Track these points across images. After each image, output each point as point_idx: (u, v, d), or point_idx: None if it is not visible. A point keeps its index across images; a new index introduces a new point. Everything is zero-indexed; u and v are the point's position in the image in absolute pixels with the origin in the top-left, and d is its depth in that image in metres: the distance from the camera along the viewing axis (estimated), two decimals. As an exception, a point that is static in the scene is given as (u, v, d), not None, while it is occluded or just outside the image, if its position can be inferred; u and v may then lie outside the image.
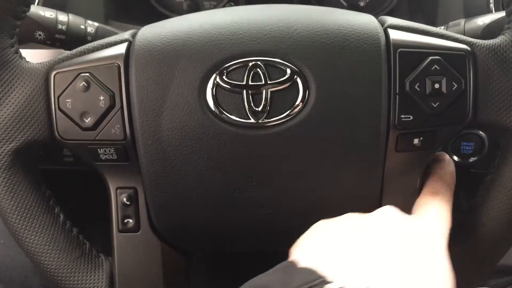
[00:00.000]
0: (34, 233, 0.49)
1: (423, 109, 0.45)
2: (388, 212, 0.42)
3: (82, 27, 0.61)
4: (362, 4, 0.81)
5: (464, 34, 0.58)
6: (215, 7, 0.82)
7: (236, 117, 0.45)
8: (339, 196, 0.48)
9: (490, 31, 0.57)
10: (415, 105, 0.45)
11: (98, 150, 0.47)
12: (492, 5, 0.68)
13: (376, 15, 0.50)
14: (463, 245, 0.49)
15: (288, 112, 0.45)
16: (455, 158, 0.66)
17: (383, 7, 0.81)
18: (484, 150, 0.65)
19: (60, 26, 0.59)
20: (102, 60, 0.47)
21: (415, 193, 0.49)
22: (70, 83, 0.46)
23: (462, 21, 0.60)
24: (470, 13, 0.67)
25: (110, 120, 0.46)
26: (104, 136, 0.47)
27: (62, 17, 0.60)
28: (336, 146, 0.46)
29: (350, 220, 0.41)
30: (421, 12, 0.80)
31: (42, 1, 0.68)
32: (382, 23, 0.48)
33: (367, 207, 0.49)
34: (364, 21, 0.47)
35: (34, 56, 0.57)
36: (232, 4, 0.81)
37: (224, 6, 0.81)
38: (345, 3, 0.80)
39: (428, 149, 0.48)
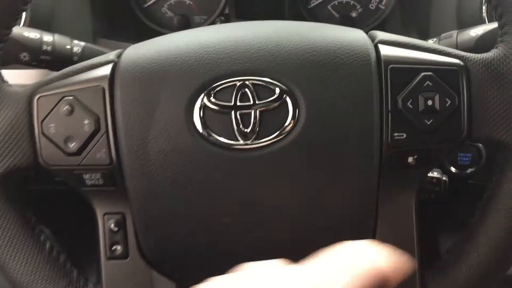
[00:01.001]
0: (19, 262, 0.47)
1: (417, 126, 0.44)
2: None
3: (68, 47, 0.60)
4: (354, 15, 0.80)
5: (457, 46, 0.57)
6: (205, 21, 0.81)
7: (225, 138, 0.44)
8: (332, 217, 0.46)
9: (483, 42, 0.56)
10: (408, 123, 0.44)
11: (84, 175, 0.46)
12: (484, 15, 0.67)
13: (368, 26, 0.49)
14: (466, 262, 0.47)
15: (278, 132, 0.43)
16: (453, 169, 0.65)
17: (375, 17, 0.80)
18: (482, 161, 0.65)
19: (45, 47, 0.58)
20: (86, 82, 0.45)
21: (410, 212, 0.48)
22: (54, 107, 0.45)
23: (454, 32, 0.59)
24: (463, 23, 0.67)
25: (95, 145, 0.45)
26: (90, 161, 0.45)
27: (47, 37, 0.58)
28: (328, 166, 0.44)
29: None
30: (413, 23, 0.79)
31: (28, 21, 0.67)
32: (372, 39, 0.47)
33: (361, 227, 0.47)
34: (354, 37, 0.46)
35: (20, 76, 0.56)
36: (223, 18, 0.80)
37: (214, 20, 0.81)
38: (336, 15, 0.80)
39: (423, 166, 0.46)
